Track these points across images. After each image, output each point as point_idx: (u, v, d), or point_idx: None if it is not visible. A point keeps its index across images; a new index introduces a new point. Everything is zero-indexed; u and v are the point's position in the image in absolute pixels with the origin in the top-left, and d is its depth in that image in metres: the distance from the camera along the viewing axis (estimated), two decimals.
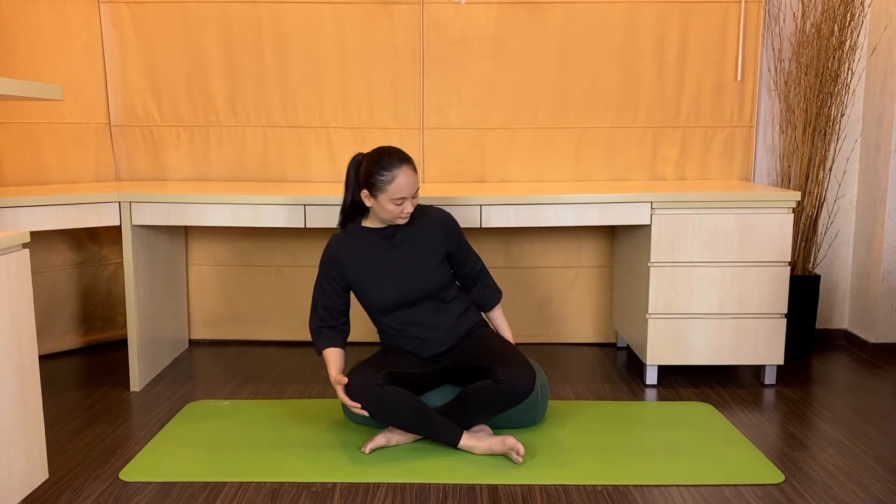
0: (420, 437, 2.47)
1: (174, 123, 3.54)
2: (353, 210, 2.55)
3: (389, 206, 2.41)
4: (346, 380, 2.36)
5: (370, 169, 2.40)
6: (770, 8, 3.50)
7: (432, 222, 2.56)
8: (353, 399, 2.37)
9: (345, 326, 2.59)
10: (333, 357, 2.52)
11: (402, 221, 2.47)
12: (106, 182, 3.47)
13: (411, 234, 2.54)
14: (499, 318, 2.73)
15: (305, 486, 2.22)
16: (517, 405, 2.44)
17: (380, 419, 2.42)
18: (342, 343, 2.56)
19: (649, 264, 2.96)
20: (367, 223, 2.55)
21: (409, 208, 2.42)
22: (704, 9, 3.44)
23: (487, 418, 2.46)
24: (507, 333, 2.72)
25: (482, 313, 2.71)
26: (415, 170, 2.42)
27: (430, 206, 2.61)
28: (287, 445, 2.48)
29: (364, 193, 2.45)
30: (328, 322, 2.56)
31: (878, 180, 3.47)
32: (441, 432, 2.40)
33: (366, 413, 2.38)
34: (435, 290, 2.53)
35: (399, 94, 3.50)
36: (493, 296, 2.71)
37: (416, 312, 2.53)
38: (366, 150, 3.51)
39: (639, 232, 3.11)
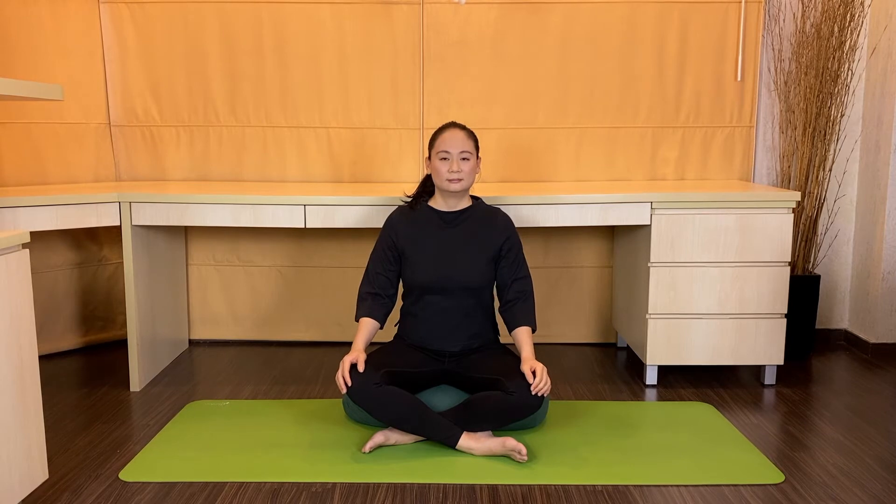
0: (420, 437, 2.47)
1: (174, 124, 3.53)
2: (424, 190, 2.68)
3: (438, 164, 2.53)
4: (354, 362, 2.39)
5: (432, 135, 2.61)
6: (770, 8, 3.50)
7: (494, 222, 2.63)
8: (351, 397, 2.40)
9: (389, 300, 2.63)
10: (365, 327, 2.56)
11: (453, 187, 2.53)
12: (106, 182, 3.47)
13: (469, 226, 2.61)
14: (525, 337, 2.56)
15: (305, 486, 2.22)
16: (522, 419, 2.47)
17: (378, 418, 2.43)
18: (381, 316, 2.60)
19: (649, 264, 2.96)
20: (433, 203, 2.64)
21: (455, 167, 2.51)
22: (704, 9, 3.44)
23: (490, 428, 2.46)
24: (527, 349, 2.53)
25: (511, 331, 2.60)
26: (469, 135, 2.57)
27: (499, 209, 2.68)
28: (287, 445, 2.48)
29: (426, 162, 2.63)
30: (375, 289, 2.61)
31: (878, 180, 3.47)
32: (439, 432, 2.40)
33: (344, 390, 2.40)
34: (471, 286, 2.57)
35: (399, 94, 3.50)
36: (524, 318, 2.57)
37: (445, 301, 2.58)
38: (365, 150, 3.53)
39: (639, 232, 3.11)
